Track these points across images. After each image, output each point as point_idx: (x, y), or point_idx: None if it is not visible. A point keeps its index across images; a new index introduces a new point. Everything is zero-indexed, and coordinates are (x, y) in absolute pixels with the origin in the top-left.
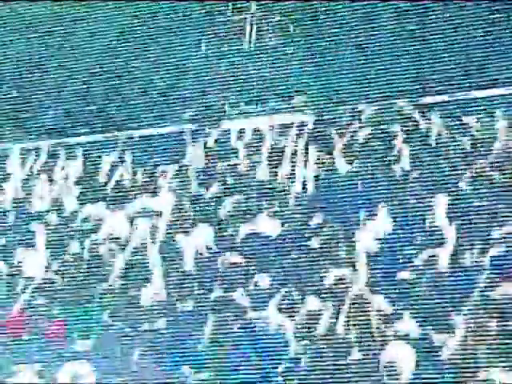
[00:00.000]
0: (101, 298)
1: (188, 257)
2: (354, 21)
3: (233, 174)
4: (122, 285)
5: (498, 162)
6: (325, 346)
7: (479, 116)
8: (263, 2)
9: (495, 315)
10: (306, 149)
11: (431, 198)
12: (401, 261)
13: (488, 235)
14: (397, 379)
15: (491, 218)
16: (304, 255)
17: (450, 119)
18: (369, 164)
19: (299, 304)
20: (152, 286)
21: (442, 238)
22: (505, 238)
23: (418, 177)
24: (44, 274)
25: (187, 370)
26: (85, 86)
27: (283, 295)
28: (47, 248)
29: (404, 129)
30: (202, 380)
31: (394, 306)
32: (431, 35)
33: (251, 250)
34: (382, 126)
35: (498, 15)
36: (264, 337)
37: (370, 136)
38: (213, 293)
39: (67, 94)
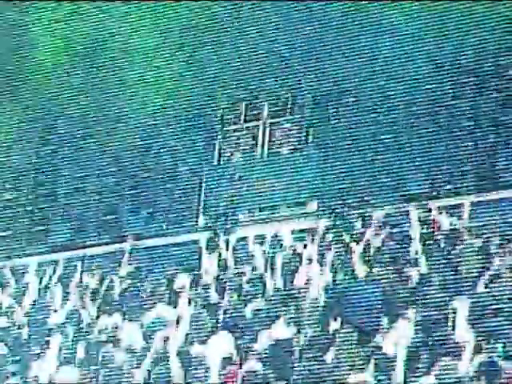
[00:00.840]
0: None
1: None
2: (363, 127)
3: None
4: None
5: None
6: None
7: (490, 218)
8: (274, 109)
9: None
10: (322, 255)
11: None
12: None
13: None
14: None
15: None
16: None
17: (461, 221)
18: (386, 269)
19: None
20: None
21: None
22: None
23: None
24: None
25: None
26: (97, 197)
27: None
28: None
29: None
30: None
31: None
32: (440, 139)
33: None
34: (395, 230)
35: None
36: None
37: (386, 240)
38: None
39: (79, 207)
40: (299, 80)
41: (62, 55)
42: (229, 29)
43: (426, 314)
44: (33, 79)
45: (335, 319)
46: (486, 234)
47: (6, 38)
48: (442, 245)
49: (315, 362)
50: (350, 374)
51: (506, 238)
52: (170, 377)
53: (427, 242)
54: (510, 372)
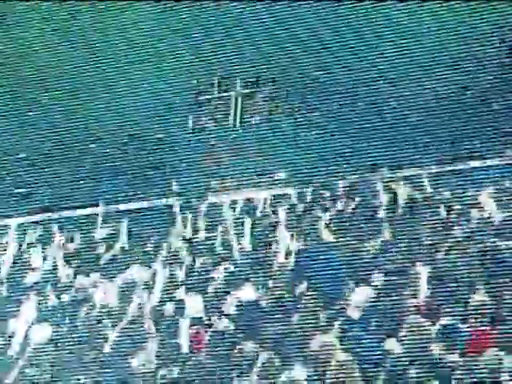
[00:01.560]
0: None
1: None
2: (337, 95)
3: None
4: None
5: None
6: None
7: (454, 188)
8: (247, 81)
9: None
10: (290, 221)
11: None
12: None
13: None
14: None
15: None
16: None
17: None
18: (352, 236)
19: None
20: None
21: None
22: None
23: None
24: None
25: None
26: (75, 162)
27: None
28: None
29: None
30: None
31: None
32: (404, 114)
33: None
34: (361, 199)
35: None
36: None
37: (352, 209)
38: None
39: (59, 170)
40: (271, 55)
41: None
42: (210, 10)
43: (388, 279)
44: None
45: (301, 283)
46: (446, 203)
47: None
48: (405, 214)
49: (281, 323)
50: (314, 334)
51: (465, 207)
52: (144, 334)
53: (391, 211)
54: (468, 334)
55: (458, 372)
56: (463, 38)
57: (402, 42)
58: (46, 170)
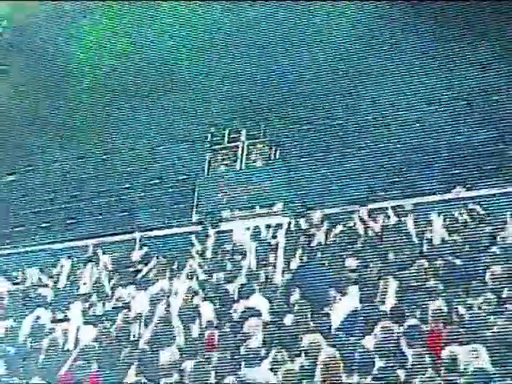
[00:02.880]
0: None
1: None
2: (317, 148)
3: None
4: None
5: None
6: None
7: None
8: (250, 133)
9: None
10: (287, 243)
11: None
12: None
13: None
14: None
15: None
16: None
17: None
18: (334, 255)
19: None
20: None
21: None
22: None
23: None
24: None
25: None
26: (115, 199)
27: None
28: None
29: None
30: None
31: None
32: (372, 156)
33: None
34: (342, 226)
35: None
36: None
37: (339, 233)
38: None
39: (105, 203)
40: (270, 111)
41: None
42: (218, 68)
43: (364, 290)
44: None
45: (295, 292)
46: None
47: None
48: (376, 238)
49: (277, 326)
50: (304, 334)
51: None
52: (172, 334)
53: (366, 236)
54: (427, 331)
55: (421, 364)
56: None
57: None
58: (93, 203)
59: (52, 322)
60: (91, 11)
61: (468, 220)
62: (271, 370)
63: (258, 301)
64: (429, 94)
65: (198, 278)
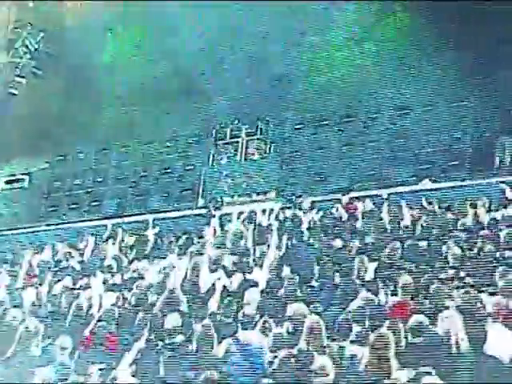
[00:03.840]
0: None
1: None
2: (308, 143)
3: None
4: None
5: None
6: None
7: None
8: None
9: None
10: (279, 225)
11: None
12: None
13: None
14: None
15: None
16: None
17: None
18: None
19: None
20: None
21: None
22: None
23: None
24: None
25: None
26: (132, 186)
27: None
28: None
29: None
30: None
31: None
32: (354, 154)
33: None
34: (326, 212)
35: None
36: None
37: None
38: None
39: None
40: (266, 113)
41: None
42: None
43: (344, 266)
44: None
45: (286, 267)
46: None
47: None
48: (357, 223)
49: (271, 296)
50: (291, 303)
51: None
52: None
53: (348, 221)
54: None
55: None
56: None
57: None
58: (113, 188)
59: (77, 289)
60: (115, 25)
61: (434, 208)
62: (263, 332)
63: (257, 274)
64: (401, 102)
65: (201, 254)
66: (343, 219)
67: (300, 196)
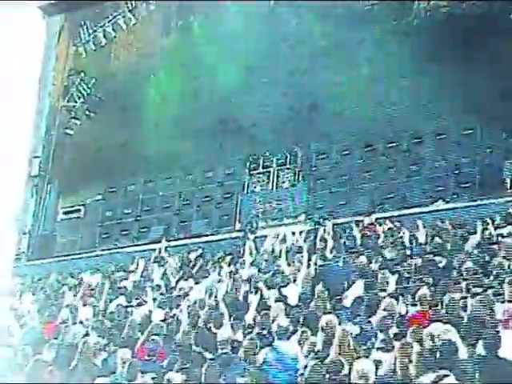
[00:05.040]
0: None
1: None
2: (332, 172)
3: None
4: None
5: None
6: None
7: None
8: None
9: None
10: (309, 245)
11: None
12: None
13: None
14: None
15: None
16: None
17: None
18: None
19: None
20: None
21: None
22: None
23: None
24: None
25: None
26: (175, 214)
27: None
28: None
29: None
30: None
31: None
32: (373, 180)
33: None
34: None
35: None
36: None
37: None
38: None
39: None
40: (295, 145)
41: None
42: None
43: (367, 280)
44: None
45: (317, 283)
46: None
47: None
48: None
49: (305, 307)
50: (321, 316)
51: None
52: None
53: (364, 240)
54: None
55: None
56: None
57: None
58: (159, 216)
59: (130, 306)
60: (157, 70)
61: (446, 226)
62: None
63: (290, 289)
64: (416, 131)
65: (239, 272)
66: (365, 239)
67: (326, 219)
